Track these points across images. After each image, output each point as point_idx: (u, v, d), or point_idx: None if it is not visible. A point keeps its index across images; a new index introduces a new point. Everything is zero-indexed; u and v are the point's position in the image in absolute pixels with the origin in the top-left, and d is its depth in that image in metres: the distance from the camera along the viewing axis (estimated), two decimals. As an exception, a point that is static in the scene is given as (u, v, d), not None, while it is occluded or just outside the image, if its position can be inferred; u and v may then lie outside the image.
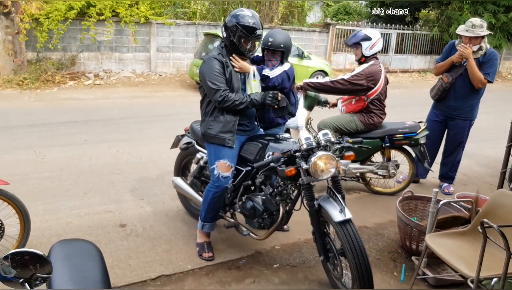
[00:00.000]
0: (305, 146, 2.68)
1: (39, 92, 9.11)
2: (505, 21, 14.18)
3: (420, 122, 4.55)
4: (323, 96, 4.52)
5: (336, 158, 2.71)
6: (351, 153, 2.84)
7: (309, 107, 4.43)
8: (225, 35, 3.03)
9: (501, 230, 2.15)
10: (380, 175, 4.55)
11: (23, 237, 2.99)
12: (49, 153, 5.30)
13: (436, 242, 2.71)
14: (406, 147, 4.57)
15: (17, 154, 5.19)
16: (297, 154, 2.70)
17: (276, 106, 3.10)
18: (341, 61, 15.03)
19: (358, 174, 4.57)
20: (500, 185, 3.57)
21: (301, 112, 4.20)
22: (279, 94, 3.09)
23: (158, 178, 4.72)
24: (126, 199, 4.19)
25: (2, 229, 2.89)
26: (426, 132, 4.48)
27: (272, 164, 2.70)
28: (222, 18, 12.83)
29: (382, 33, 14.99)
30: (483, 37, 4.12)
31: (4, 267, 1.30)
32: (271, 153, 2.87)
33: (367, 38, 4.15)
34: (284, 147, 2.91)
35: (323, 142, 2.72)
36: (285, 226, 3.64)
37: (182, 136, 3.81)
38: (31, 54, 10.21)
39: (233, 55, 3.07)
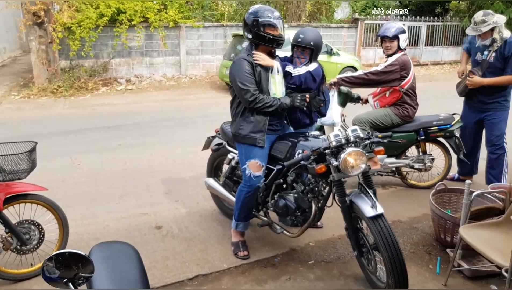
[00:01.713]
0: (334, 143, 2.68)
1: (73, 99, 9.40)
2: None
3: (454, 114, 4.51)
4: (355, 92, 4.51)
5: (366, 154, 2.69)
6: (381, 148, 2.84)
7: (343, 104, 4.41)
8: (250, 36, 3.05)
9: None
10: (416, 168, 4.53)
11: (62, 242, 3.09)
12: (85, 159, 5.46)
13: (471, 234, 2.72)
14: (441, 139, 4.53)
15: (53, 161, 5.35)
16: (326, 151, 2.71)
17: (305, 108, 3.11)
18: (370, 56, 14.84)
19: (394, 169, 4.55)
20: None
21: (336, 109, 4.22)
22: (307, 96, 3.10)
23: (192, 179, 4.78)
24: (161, 201, 4.26)
25: (42, 234, 3.00)
26: (461, 124, 4.45)
27: (302, 162, 2.70)
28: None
29: (411, 26, 14.82)
30: (492, 29, 3.93)
31: (48, 268, 1.35)
32: (301, 151, 2.89)
33: (404, 31, 4.22)
34: (313, 144, 2.91)
35: (352, 138, 2.71)
36: (318, 223, 3.66)
37: (213, 137, 3.85)
38: (64, 62, 10.54)
39: (254, 51, 3.05)
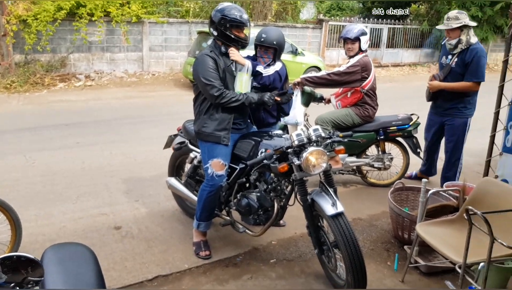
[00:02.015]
0: (296, 142, 2.71)
1: (28, 95, 9.01)
2: (491, 14, 14.49)
3: (412, 114, 4.65)
4: (318, 92, 4.57)
5: (327, 153, 2.74)
6: (341, 147, 2.89)
7: (306, 103, 4.47)
8: (215, 33, 3.03)
9: (484, 216, 2.23)
10: (376, 167, 4.66)
11: (15, 244, 2.95)
12: (40, 157, 5.23)
13: (426, 231, 2.80)
14: (399, 139, 4.68)
15: (7, 160, 5.11)
16: (289, 150, 2.73)
17: (271, 105, 3.13)
18: (334, 56, 15.09)
19: (354, 167, 4.65)
20: (486, 173, 3.64)
21: (299, 109, 4.27)
22: (276, 97, 3.11)
23: (153, 178, 4.68)
24: (120, 201, 4.15)
25: (-7, 235, 2.85)
26: (418, 124, 4.60)
27: (265, 161, 2.71)
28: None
29: (373, 28, 15.22)
30: (461, 29, 4.02)
31: (-5, 272, 1.28)
32: (263, 150, 2.90)
33: (365, 33, 4.31)
34: (276, 143, 2.93)
35: (314, 138, 2.75)
36: (281, 221, 3.68)
37: (175, 136, 3.79)
38: (19, 56, 10.06)
39: (230, 48, 3.04)
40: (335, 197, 2.66)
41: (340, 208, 2.61)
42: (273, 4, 13.82)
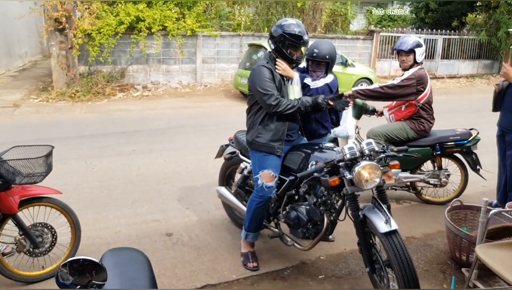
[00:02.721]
0: (348, 156, 2.65)
1: (90, 104, 9.54)
2: None
3: (471, 129, 4.41)
4: (370, 105, 4.47)
5: (381, 168, 2.65)
6: (396, 162, 2.82)
7: (357, 116, 4.41)
8: (272, 46, 3.06)
9: None
10: (431, 184, 4.45)
11: (74, 246, 3.12)
12: (99, 163, 5.52)
13: (487, 253, 2.65)
14: (457, 155, 4.45)
15: (69, 165, 5.43)
16: (340, 163, 2.67)
17: (328, 108, 3.08)
18: (385, 68, 14.77)
19: (408, 183, 4.47)
20: None
21: (350, 121, 4.22)
22: (329, 100, 3.05)
23: (204, 187, 4.79)
24: (172, 208, 4.27)
25: (55, 237, 3.03)
26: (478, 139, 4.36)
27: (315, 174, 2.68)
28: (266, 28, 12.94)
29: (427, 39, 14.77)
30: None
31: (62, 274, 1.36)
32: (314, 163, 2.86)
33: (420, 45, 4.16)
34: (327, 156, 2.89)
35: (366, 152, 2.68)
36: (330, 236, 3.61)
37: (226, 146, 3.85)
38: (83, 67, 10.72)
39: (278, 59, 3.07)
40: (388, 214, 2.58)
41: (394, 225, 2.52)
42: (322, 16, 13.76)
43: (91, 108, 9.19)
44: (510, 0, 13.19)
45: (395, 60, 4.37)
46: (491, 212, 2.84)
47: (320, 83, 3.30)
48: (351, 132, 4.18)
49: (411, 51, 4.11)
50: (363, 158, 2.66)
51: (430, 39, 15.10)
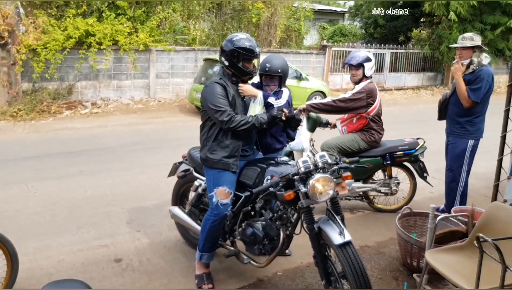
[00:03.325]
0: (302, 169, 2.64)
1: (34, 123, 9.01)
2: (492, 38, 14.74)
3: (418, 138, 4.63)
4: (324, 117, 4.55)
5: (334, 179, 2.66)
6: (348, 173, 2.82)
7: (311, 129, 4.48)
8: (226, 62, 3.03)
9: (495, 243, 2.16)
10: (382, 192, 4.62)
11: (10, 279, 2.82)
12: (42, 187, 5.14)
13: (436, 258, 2.74)
14: (406, 164, 4.66)
15: (8, 189, 5.03)
16: (295, 177, 2.66)
17: (284, 118, 3.04)
18: (338, 81, 15.22)
19: (361, 193, 4.61)
20: (494, 198, 3.55)
21: (305, 134, 4.28)
22: (285, 110, 3.05)
23: (156, 207, 4.57)
24: (122, 232, 4.02)
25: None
26: (425, 148, 4.58)
27: (271, 188, 2.64)
28: (222, 43, 12.91)
29: (376, 53, 15.40)
30: (474, 51, 3.97)
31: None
32: (269, 177, 2.83)
33: (369, 60, 4.32)
34: (282, 170, 2.88)
35: (320, 164, 2.69)
36: (286, 251, 3.56)
37: (180, 163, 3.73)
38: (27, 84, 10.13)
39: (240, 84, 3.08)
40: (342, 226, 2.58)
41: (347, 237, 2.52)
42: (277, 31, 13.98)
43: (34, 128, 8.68)
44: (450, 17, 14.00)
45: (347, 74, 4.49)
46: (438, 217, 2.95)
47: (282, 101, 3.31)
48: (306, 145, 4.21)
49: (360, 65, 4.26)
50: (317, 170, 2.67)
51: (378, 53, 15.76)
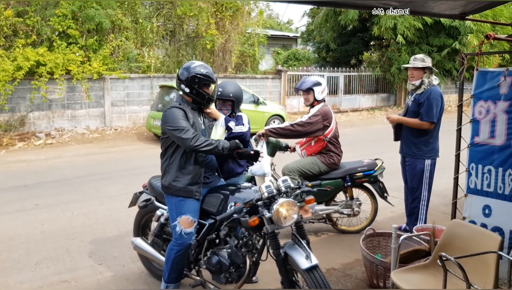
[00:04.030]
0: (266, 194, 2.66)
1: (-15, 157, 8.65)
2: (439, 59, 15.65)
3: (376, 159, 4.71)
4: (283, 141, 4.61)
5: (297, 203, 2.70)
6: (311, 197, 2.87)
7: (272, 153, 4.51)
8: (187, 90, 3.04)
9: (458, 262, 2.21)
10: (345, 214, 4.62)
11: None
12: (-4, 222, 4.94)
13: (402, 278, 2.76)
14: (366, 184, 4.69)
15: (-41, 226, 4.80)
16: (259, 203, 2.68)
17: (239, 152, 3.07)
18: (295, 104, 15.55)
19: (324, 215, 4.59)
20: (453, 215, 3.67)
21: (266, 159, 4.26)
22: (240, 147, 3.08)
23: (117, 239, 4.48)
24: (83, 266, 3.91)
25: None
26: (383, 169, 4.65)
27: (235, 215, 2.65)
28: (177, 69, 12.98)
29: (329, 76, 15.93)
30: (425, 72, 4.17)
31: None
32: (233, 204, 2.83)
33: (318, 84, 4.43)
34: (245, 196, 2.89)
35: (283, 189, 2.71)
36: (253, 278, 3.51)
37: (140, 193, 3.68)
38: (-24, 117, 9.77)
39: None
40: (308, 250, 2.60)
41: (314, 261, 2.53)
42: (232, 57, 14.23)
43: (-15, 161, 8.32)
44: (398, 40, 14.76)
45: (302, 97, 4.62)
46: (401, 237, 2.99)
47: (244, 128, 3.41)
48: (267, 169, 4.23)
49: (310, 89, 4.41)
50: (280, 195, 2.69)
51: (332, 76, 16.30)
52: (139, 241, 3.53)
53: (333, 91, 16.46)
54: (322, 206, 4.52)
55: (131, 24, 12.55)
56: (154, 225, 3.57)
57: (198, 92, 3.03)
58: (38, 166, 7.97)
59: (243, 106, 3.74)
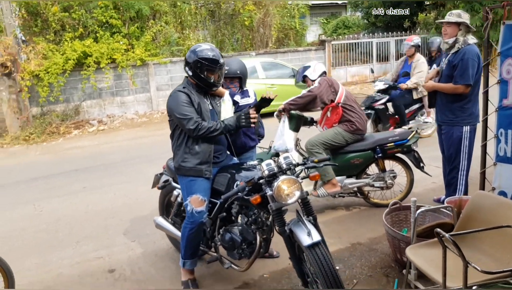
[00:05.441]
0: (266, 172, 2.67)
1: (45, 145, 9.38)
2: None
3: (409, 128, 4.50)
4: (308, 116, 4.54)
5: (300, 180, 2.68)
6: (316, 173, 2.84)
7: (296, 128, 4.44)
8: (190, 73, 3.06)
9: (454, 239, 2.11)
10: (377, 187, 4.48)
11: (7, 293, 3.03)
12: (48, 205, 5.41)
13: (417, 254, 2.66)
14: (400, 155, 4.50)
15: (16, 210, 5.32)
16: (261, 181, 2.69)
17: (253, 125, 3.10)
18: (342, 75, 15.05)
19: (355, 189, 4.49)
20: (482, 186, 3.44)
21: (288, 135, 4.24)
22: (250, 112, 3.06)
23: (151, 217, 4.67)
24: (117, 243, 4.22)
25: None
26: (417, 137, 4.44)
27: (239, 193, 2.69)
28: (219, 49, 13.09)
29: (379, 42, 15.15)
30: (460, 28, 3.82)
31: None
32: (239, 183, 2.88)
33: (307, 67, 4.54)
34: (252, 175, 2.90)
35: (284, 166, 2.70)
36: (274, 252, 3.63)
37: (161, 174, 3.84)
38: (35, 109, 10.58)
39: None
40: (310, 226, 2.57)
41: (316, 237, 2.50)
42: (272, 32, 14.03)
43: (46, 149, 9.02)
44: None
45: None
46: (418, 211, 2.89)
47: (250, 100, 3.44)
48: (290, 145, 4.20)
49: (305, 77, 4.53)
50: (282, 172, 2.68)
51: (382, 42, 15.54)
52: (160, 219, 3.71)
53: (384, 57, 15.71)
54: (352, 179, 4.41)
55: (170, 8, 12.76)
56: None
57: (200, 77, 3.03)
58: (90, 151, 8.52)
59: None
